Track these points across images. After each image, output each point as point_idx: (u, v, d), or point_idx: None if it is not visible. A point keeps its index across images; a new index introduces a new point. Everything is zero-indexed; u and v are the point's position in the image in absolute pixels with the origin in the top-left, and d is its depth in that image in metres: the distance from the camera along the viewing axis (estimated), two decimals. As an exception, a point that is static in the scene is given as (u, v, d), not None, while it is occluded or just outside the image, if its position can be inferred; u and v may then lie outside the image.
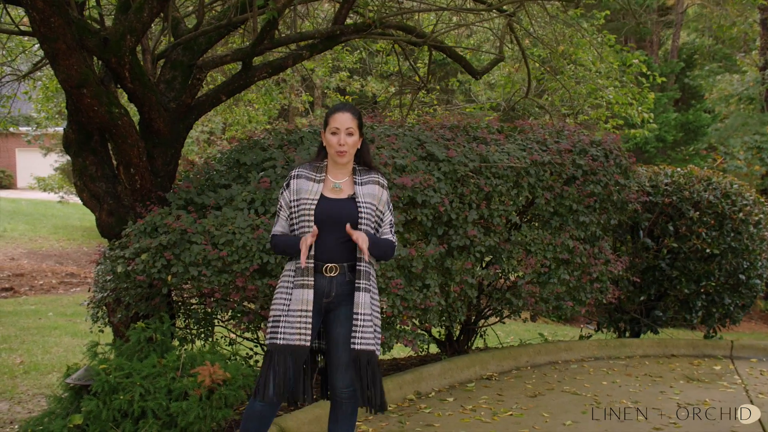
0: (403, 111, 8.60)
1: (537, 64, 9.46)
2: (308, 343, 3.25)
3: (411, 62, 7.80)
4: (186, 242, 4.68)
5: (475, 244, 5.53)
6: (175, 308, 5.19)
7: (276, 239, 3.43)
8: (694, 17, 28.53)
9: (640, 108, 8.96)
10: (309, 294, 3.25)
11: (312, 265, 3.28)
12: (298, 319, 3.24)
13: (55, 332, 9.32)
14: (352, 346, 3.28)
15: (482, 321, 6.81)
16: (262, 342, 5.60)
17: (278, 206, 3.45)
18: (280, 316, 3.30)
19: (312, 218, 3.28)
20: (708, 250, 6.94)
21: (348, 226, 3.26)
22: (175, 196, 5.15)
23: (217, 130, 16.19)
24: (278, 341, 3.27)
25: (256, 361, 5.75)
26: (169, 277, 4.64)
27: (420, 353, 6.35)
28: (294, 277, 3.31)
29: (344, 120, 3.34)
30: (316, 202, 3.30)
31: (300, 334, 3.24)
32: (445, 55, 6.95)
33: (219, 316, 5.17)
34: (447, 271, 5.46)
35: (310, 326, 3.24)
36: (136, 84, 5.10)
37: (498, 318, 6.68)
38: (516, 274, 5.97)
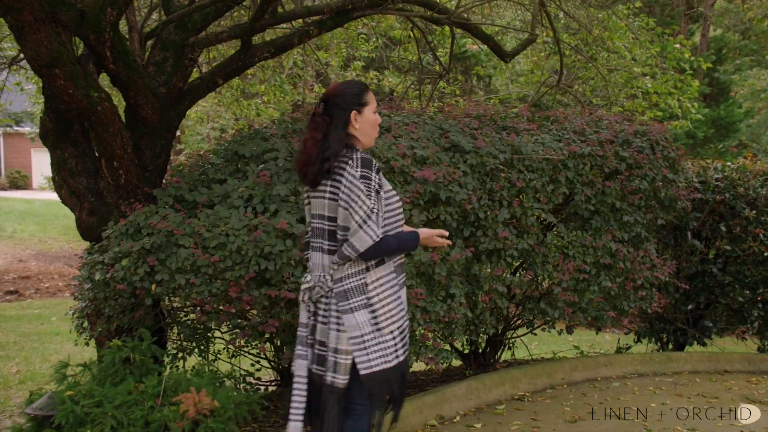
0: (422, 102, 7.91)
1: (567, 52, 8.75)
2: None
3: (432, 48, 7.11)
4: (173, 245, 4.04)
5: (506, 248, 4.84)
6: (168, 319, 4.55)
7: (390, 239, 2.82)
8: (720, 12, 27.66)
9: (681, 97, 8.21)
10: (405, 291, 2.99)
11: (404, 260, 3.02)
12: (407, 318, 2.95)
13: (56, 338, 8.83)
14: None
15: (510, 332, 6.13)
16: (268, 357, 4.97)
17: (373, 203, 2.75)
18: (404, 323, 2.90)
19: (403, 214, 2.94)
20: (766, 254, 6.20)
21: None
22: (163, 192, 4.51)
23: (228, 126, 15.61)
24: (407, 349, 2.95)
25: (258, 379, 5.10)
26: (153, 286, 4.00)
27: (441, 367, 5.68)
28: (396, 277, 2.90)
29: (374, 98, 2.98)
30: (398, 194, 2.98)
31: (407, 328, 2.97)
32: (465, 47, 6.35)
33: (218, 328, 4.51)
34: (474, 279, 4.78)
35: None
36: (119, 65, 4.47)
37: (529, 329, 5.99)
38: (551, 281, 5.27)
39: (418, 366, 7.19)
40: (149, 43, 5.28)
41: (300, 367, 2.88)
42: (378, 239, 2.73)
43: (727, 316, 6.60)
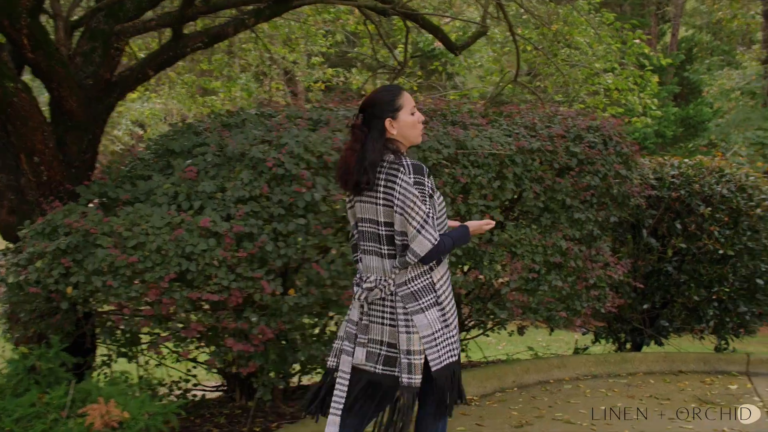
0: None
1: (528, 47, 8.60)
2: None
3: (386, 42, 6.91)
4: (90, 246, 3.81)
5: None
6: (88, 324, 4.31)
7: (446, 239, 2.87)
8: (691, 13, 27.75)
9: (642, 94, 8.08)
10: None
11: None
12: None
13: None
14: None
15: (463, 334, 5.95)
16: (201, 361, 4.73)
17: (429, 208, 2.79)
18: (454, 320, 2.96)
19: (446, 211, 2.99)
20: (721, 251, 6.06)
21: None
22: (86, 189, 4.27)
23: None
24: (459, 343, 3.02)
25: (187, 391, 4.85)
26: (69, 289, 3.77)
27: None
28: (445, 283, 2.94)
29: (411, 98, 2.98)
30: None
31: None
32: (433, 45, 6.16)
33: (140, 333, 4.27)
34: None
35: None
36: (39, 54, 4.23)
37: (481, 330, 5.82)
38: (500, 281, 5.09)
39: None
40: (78, 32, 5.03)
41: (345, 363, 2.95)
42: (436, 242, 2.78)
43: (684, 316, 6.46)
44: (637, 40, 8.10)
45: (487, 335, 6.01)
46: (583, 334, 6.96)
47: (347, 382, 2.92)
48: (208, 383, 5.33)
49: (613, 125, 5.80)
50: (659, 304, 6.45)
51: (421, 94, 9.72)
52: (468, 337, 5.99)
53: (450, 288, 2.96)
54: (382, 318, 2.91)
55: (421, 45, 15.77)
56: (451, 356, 2.91)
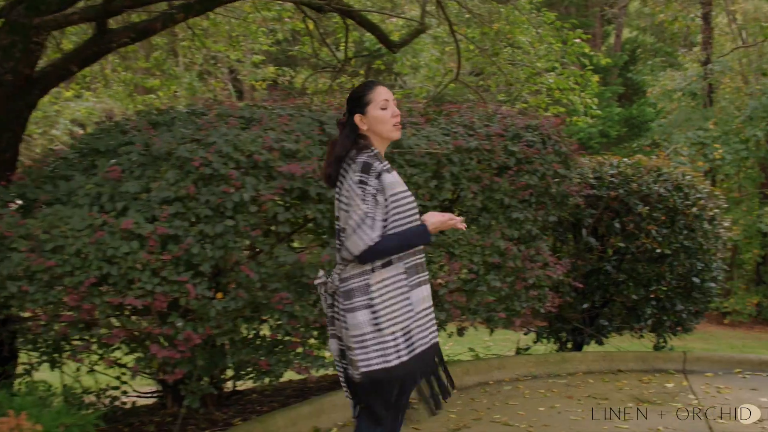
0: (320, 97, 7.60)
1: (471, 46, 8.57)
2: (437, 338, 3.04)
3: (324, 40, 6.80)
4: (5, 249, 3.62)
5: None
6: (15, 331, 4.12)
7: (389, 239, 2.83)
8: (636, 15, 28.22)
9: (583, 93, 8.11)
10: (427, 289, 3.00)
11: (423, 259, 3.01)
12: (426, 318, 2.96)
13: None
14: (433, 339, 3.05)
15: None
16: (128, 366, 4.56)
17: (369, 207, 2.80)
18: (409, 324, 2.88)
19: (417, 212, 2.95)
20: (658, 250, 6.10)
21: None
22: (4, 190, 4.07)
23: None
24: (418, 349, 2.89)
25: (115, 399, 4.67)
26: (-18, 295, 3.58)
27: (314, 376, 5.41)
28: (407, 278, 2.89)
29: (388, 92, 2.96)
30: (410, 192, 2.96)
31: (431, 332, 2.98)
32: (374, 42, 6.06)
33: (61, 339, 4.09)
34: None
35: (434, 319, 3.03)
36: (-48, 49, 4.02)
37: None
38: (437, 282, 5.02)
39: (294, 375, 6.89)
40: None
41: (332, 350, 3.02)
42: (372, 243, 2.78)
43: (623, 315, 6.49)
44: (578, 40, 8.13)
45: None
46: (525, 334, 6.95)
47: (342, 373, 3.00)
48: (144, 389, 5.16)
49: (552, 124, 5.78)
50: (599, 304, 6.47)
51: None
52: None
53: (400, 294, 2.86)
54: (335, 311, 2.94)
55: (367, 44, 15.69)
56: (385, 362, 2.82)
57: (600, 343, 6.73)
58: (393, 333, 2.82)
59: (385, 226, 2.83)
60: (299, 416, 4.46)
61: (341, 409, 4.70)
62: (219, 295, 3.86)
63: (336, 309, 2.91)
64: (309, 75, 8.19)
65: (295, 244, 4.84)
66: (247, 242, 3.95)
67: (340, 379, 3.02)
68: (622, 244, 6.16)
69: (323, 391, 5.32)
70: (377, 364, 2.83)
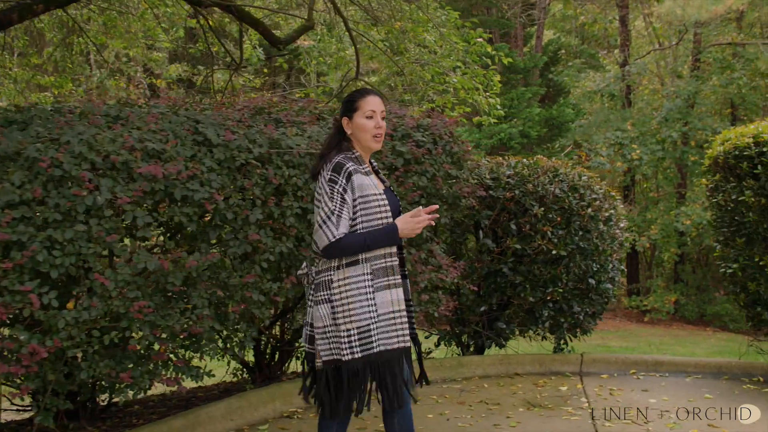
0: (218, 96, 7.34)
1: (380, 45, 8.43)
2: (409, 344, 3.11)
3: (218, 38, 6.55)
4: None
5: (260, 251, 4.36)
6: None
7: (353, 238, 3.00)
8: (561, 18, 28.65)
9: (487, 93, 8.05)
10: (399, 293, 3.08)
11: (396, 262, 3.11)
12: (392, 322, 3.05)
13: None
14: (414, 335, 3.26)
15: (300, 341, 5.70)
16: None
17: (337, 205, 2.99)
18: (368, 325, 3.00)
19: (389, 213, 3.07)
20: (554, 252, 6.05)
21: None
22: None
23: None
24: (375, 349, 3.02)
25: None
26: None
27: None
28: (373, 280, 3.02)
29: (378, 103, 3.15)
30: (384, 196, 3.09)
31: (398, 336, 3.06)
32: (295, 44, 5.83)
33: None
34: (226, 287, 4.27)
35: (407, 325, 3.10)
36: None
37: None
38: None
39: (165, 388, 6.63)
40: None
41: (303, 337, 3.25)
42: (334, 239, 2.94)
43: (521, 317, 6.43)
44: (480, 39, 8.07)
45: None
46: (426, 337, 6.83)
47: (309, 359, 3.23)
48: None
49: (445, 123, 5.66)
50: (497, 306, 6.39)
51: (267, 92, 9.40)
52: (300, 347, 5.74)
53: (361, 294, 2.99)
54: (310, 301, 3.14)
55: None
56: (338, 355, 3.00)
57: (500, 346, 6.65)
58: (348, 330, 2.98)
59: (353, 226, 3.00)
60: (171, 429, 4.23)
61: (218, 420, 4.51)
62: (69, 304, 3.60)
63: (310, 299, 3.12)
64: (206, 73, 7.90)
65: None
66: (101, 248, 3.69)
67: (307, 364, 3.24)
68: (518, 246, 6.09)
69: (210, 401, 5.09)
70: (332, 355, 3.03)
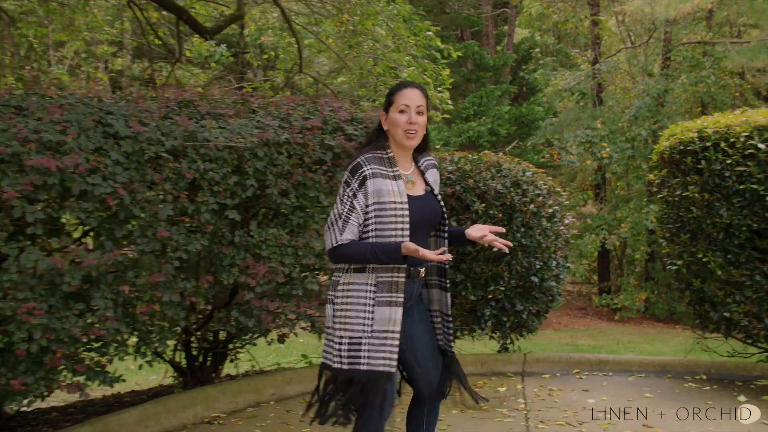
0: (162, 90, 7.11)
1: (331, 39, 8.25)
2: (394, 369, 2.88)
3: (154, 31, 6.34)
4: None
5: (171, 249, 4.16)
6: None
7: (356, 246, 2.86)
8: (537, 17, 28.60)
9: (439, 88, 7.89)
10: (397, 313, 2.87)
11: (403, 279, 2.89)
12: (383, 341, 2.86)
13: None
14: (446, 347, 3.16)
15: (234, 342, 5.52)
16: None
17: (345, 209, 2.87)
18: (360, 337, 2.86)
19: (407, 224, 2.87)
20: (495, 249, 5.87)
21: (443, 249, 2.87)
22: None
23: None
24: (362, 366, 2.86)
25: None
26: None
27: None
28: (375, 293, 2.87)
29: (414, 96, 2.96)
30: (406, 205, 2.89)
31: (385, 359, 2.85)
32: (255, 38, 5.62)
33: None
34: (133, 287, 4.07)
35: (396, 349, 2.88)
36: None
37: (240, 342, 5.37)
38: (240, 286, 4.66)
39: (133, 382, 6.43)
40: None
41: None
42: (336, 244, 2.85)
43: (463, 316, 6.25)
44: (429, 33, 7.90)
45: (254, 344, 5.57)
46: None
47: None
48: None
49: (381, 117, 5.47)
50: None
51: (215, 86, 9.19)
52: (237, 346, 5.55)
53: (361, 304, 2.87)
54: None
55: (248, 39, 15.23)
56: (330, 360, 2.94)
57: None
58: (341, 337, 2.89)
59: (365, 233, 2.87)
60: (77, 438, 4.02)
61: (131, 427, 4.31)
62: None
63: None
64: (147, 66, 7.67)
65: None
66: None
67: None
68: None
69: (133, 405, 4.88)
70: (327, 359, 2.97)
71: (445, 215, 3.10)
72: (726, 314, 5.86)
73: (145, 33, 6.87)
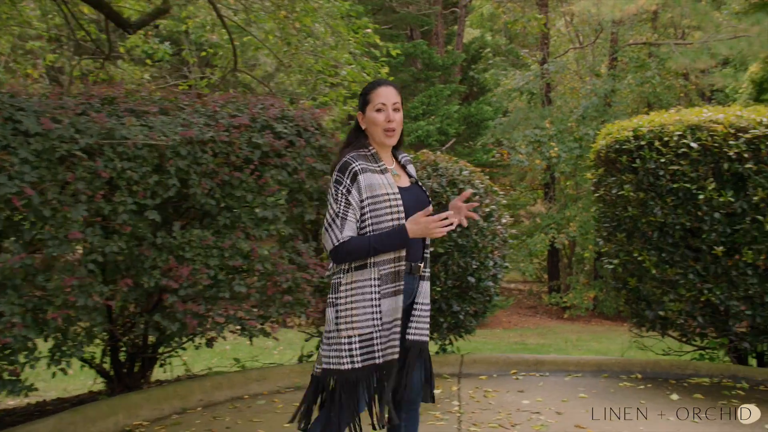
0: (80, 86, 6.88)
1: (271, 37, 8.09)
2: (398, 355, 2.92)
3: (81, 26, 6.12)
4: None
5: (87, 252, 3.99)
6: None
7: (358, 241, 2.84)
8: (489, 17, 28.71)
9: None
10: (400, 300, 2.91)
11: (404, 267, 2.92)
12: (391, 331, 2.89)
13: None
14: (407, 336, 3.00)
15: (164, 347, 5.35)
16: None
17: (341, 207, 2.86)
18: (371, 332, 2.86)
19: (403, 214, 2.89)
20: (431, 249, 5.80)
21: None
22: None
23: None
24: (377, 360, 2.87)
25: None
26: None
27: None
28: (380, 286, 2.87)
29: (389, 94, 2.97)
30: (399, 195, 2.92)
31: (395, 346, 2.90)
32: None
33: None
34: (45, 291, 3.88)
35: (399, 335, 2.92)
36: None
37: (176, 341, 5.21)
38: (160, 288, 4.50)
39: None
40: None
41: None
42: (338, 243, 2.82)
43: (400, 317, 6.16)
44: (369, 30, 7.79)
45: (184, 348, 5.40)
46: (306, 340, 6.53)
47: None
48: None
49: (313, 115, 5.37)
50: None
51: (151, 84, 8.97)
52: (168, 350, 5.38)
53: (366, 300, 2.85)
54: None
55: (193, 37, 14.95)
56: (338, 364, 2.85)
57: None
58: (349, 337, 2.84)
59: (362, 228, 2.86)
60: (-17, 451, 3.82)
61: (45, 438, 4.10)
62: None
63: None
64: (76, 63, 7.43)
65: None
66: None
67: None
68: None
69: (55, 413, 4.68)
70: (332, 364, 2.87)
71: (430, 206, 3.05)
72: (661, 313, 5.88)
73: (72, 28, 6.62)
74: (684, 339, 6.21)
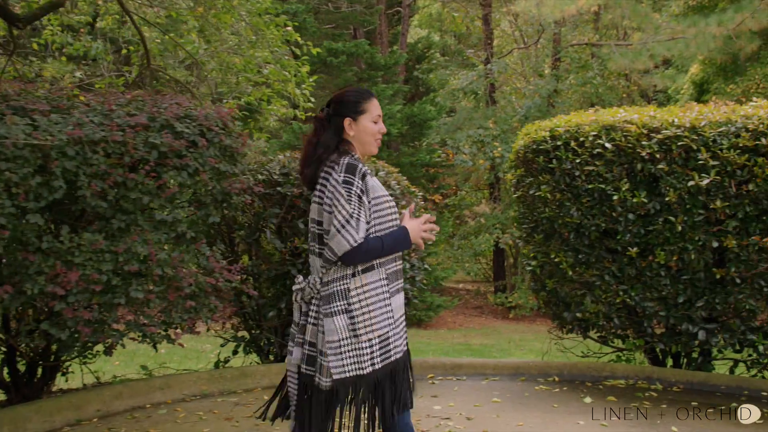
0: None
1: (194, 34, 7.87)
2: (407, 347, 2.99)
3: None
4: None
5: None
6: None
7: (373, 241, 2.82)
8: (437, 17, 28.73)
9: (303, 85, 7.63)
10: (402, 296, 3.00)
11: (401, 265, 3.01)
12: (400, 326, 2.95)
13: None
14: None
15: (66, 355, 5.12)
16: None
17: (354, 208, 2.80)
18: (387, 332, 2.87)
19: (397, 217, 2.96)
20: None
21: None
22: None
23: None
24: (392, 357, 2.89)
25: None
26: None
27: None
28: (388, 284, 2.90)
29: (379, 106, 3.03)
30: (392, 198, 2.97)
31: (405, 338, 2.99)
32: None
33: None
34: None
35: (406, 330, 3.01)
36: None
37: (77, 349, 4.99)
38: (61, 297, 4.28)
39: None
40: None
41: (289, 364, 2.94)
42: (356, 244, 2.77)
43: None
44: (289, 28, 7.63)
45: (87, 356, 5.18)
46: (222, 345, 6.35)
47: (295, 384, 2.91)
48: None
49: (219, 114, 5.18)
50: (287, 311, 5.95)
51: (66, 80, 8.67)
52: (69, 358, 5.16)
53: (380, 300, 2.84)
54: (311, 317, 2.88)
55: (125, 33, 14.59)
56: (359, 369, 2.80)
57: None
58: (369, 340, 2.82)
59: (367, 229, 2.83)
60: None
61: None
62: None
63: (310, 315, 2.86)
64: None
65: None
66: None
67: (291, 388, 2.92)
68: (305, 246, 5.68)
69: None
70: (351, 371, 2.80)
71: None
72: (579, 315, 5.84)
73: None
74: (604, 341, 6.18)
